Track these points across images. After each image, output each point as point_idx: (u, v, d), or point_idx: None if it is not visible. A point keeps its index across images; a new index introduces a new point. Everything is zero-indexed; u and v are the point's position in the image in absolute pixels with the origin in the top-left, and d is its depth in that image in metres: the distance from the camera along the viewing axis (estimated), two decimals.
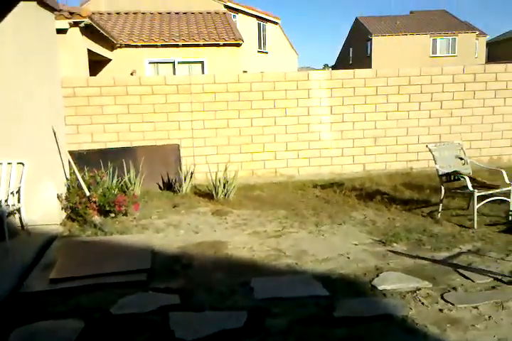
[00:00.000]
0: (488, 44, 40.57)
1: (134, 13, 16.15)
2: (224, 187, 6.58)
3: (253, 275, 3.95)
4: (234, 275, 3.95)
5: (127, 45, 13.32)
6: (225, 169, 6.91)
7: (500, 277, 3.73)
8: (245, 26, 19.78)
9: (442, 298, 3.41)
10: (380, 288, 3.61)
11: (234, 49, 14.14)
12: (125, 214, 5.77)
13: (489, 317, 3.12)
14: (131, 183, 6.65)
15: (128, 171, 6.86)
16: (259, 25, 22.07)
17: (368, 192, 6.70)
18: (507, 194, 5.25)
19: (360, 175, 7.89)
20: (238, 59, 14.35)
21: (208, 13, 16.58)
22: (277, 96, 7.93)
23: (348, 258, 4.31)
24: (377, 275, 3.84)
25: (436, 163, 5.56)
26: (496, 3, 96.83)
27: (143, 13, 16.19)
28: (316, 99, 8.02)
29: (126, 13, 16.12)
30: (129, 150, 7.33)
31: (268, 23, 23.08)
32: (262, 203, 6.42)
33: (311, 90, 7.99)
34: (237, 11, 19.83)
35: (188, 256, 4.43)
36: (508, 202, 5.27)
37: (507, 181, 5.27)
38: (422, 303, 3.34)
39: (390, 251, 4.45)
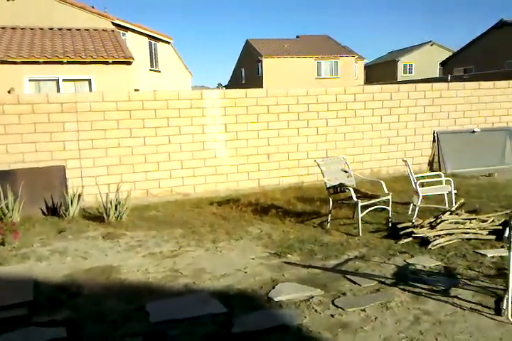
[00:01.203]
0: (366, 67, 44.65)
1: (12, 28, 15.04)
2: (116, 208, 6.29)
3: (149, 298, 3.79)
4: (128, 301, 3.76)
5: (3, 62, 12.31)
6: (117, 190, 6.62)
7: (383, 280, 4.02)
8: (136, 44, 19.44)
9: (333, 303, 3.57)
10: (276, 299, 3.67)
11: (124, 67, 13.79)
12: (2, 244, 5.22)
13: (375, 318, 3.33)
14: (8, 210, 6.06)
15: (5, 197, 6.25)
16: (150, 44, 21.84)
17: (263, 207, 6.85)
18: (387, 202, 5.73)
19: (255, 191, 8.07)
20: (129, 77, 14.02)
21: (95, 30, 16.02)
22: (171, 115, 7.86)
23: (246, 272, 4.34)
24: (274, 287, 3.91)
25: (324, 177, 5.89)
26: (371, 30, 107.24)
27: (22, 29, 15.14)
28: (211, 117, 8.10)
29: (3, 28, 14.93)
30: (6, 173, 6.70)
31: (160, 42, 22.95)
32: (157, 223, 6.24)
33: (205, 109, 8.05)
34: (126, 29, 19.42)
35: (76, 284, 4.12)
36: (388, 210, 5.75)
37: (386, 191, 5.76)
38: (316, 310, 3.46)
39: (285, 262, 4.58)
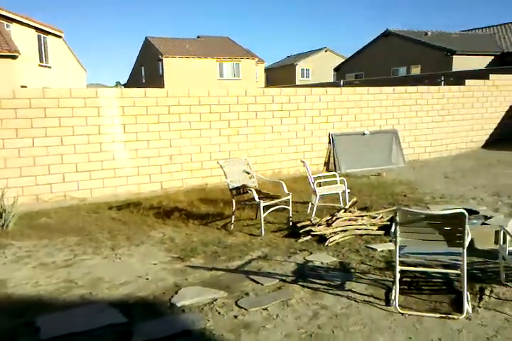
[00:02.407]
0: (266, 70, 45.94)
1: None
2: (1, 216, 5.73)
3: (39, 313, 3.50)
4: (15, 317, 3.44)
5: None
6: (1, 195, 6.04)
7: (284, 278, 4.14)
8: (22, 37, 17.92)
9: (236, 304, 3.60)
10: (179, 304, 3.61)
11: (8, 61, 12.64)
12: None
13: (277, 316, 3.41)
14: None
15: None
16: (39, 37, 20.27)
17: (166, 210, 6.70)
18: (287, 202, 5.92)
19: (157, 194, 7.87)
20: (14, 72, 12.86)
21: None
22: (63, 114, 7.36)
23: (147, 279, 4.20)
24: (176, 293, 3.84)
25: (226, 178, 5.92)
26: (270, 34, 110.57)
27: None
28: (108, 117, 7.73)
29: None
30: None
31: (50, 36, 21.41)
32: (49, 231, 5.80)
33: (101, 108, 7.66)
34: (11, 20, 17.82)
35: None
36: (289, 210, 5.95)
37: (286, 191, 5.95)
38: (219, 313, 3.46)
39: (188, 266, 4.51)
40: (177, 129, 8.32)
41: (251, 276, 4.18)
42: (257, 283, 4.02)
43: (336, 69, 31.80)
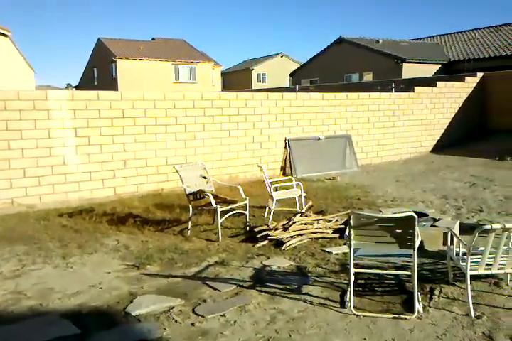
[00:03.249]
0: (223, 74, 45.95)
1: None
2: None
3: None
4: None
5: None
6: None
7: (242, 283, 4.14)
8: None
9: (194, 312, 3.56)
10: (134, 314, 3.52)
11: None
12: None
13: (234, 322, 3.41)
14: None
15: None
16: None
17: (120, 217, 6.54)
18: (244, 207, 5.93)
19: (111, 199, 7.66)
20: None
21: None
22: (10, 117, 7.04)
23: (101, 288, 4.08)
24: (131, 301, 3.75)
25: (183, 183, 5.86)
26: (226, 38, 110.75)
27: None
28: (58, 120, 7.46)
29: None
30: None
31: None
32: None
33: (51, 111, 7.39)
34: None
35: None
36: (246, 215, 5.96)
37: (243, 196, 5.96)
38: (176, 321, 3.41)
39: (144, 274, 4.42)
40: (132, 133, 8.15)
41: (208, 283, 4.15)
42: (215, 289, 4.00)
43: (292, 75, 32.27)
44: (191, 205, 5.84)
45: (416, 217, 3.46)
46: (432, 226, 5.51)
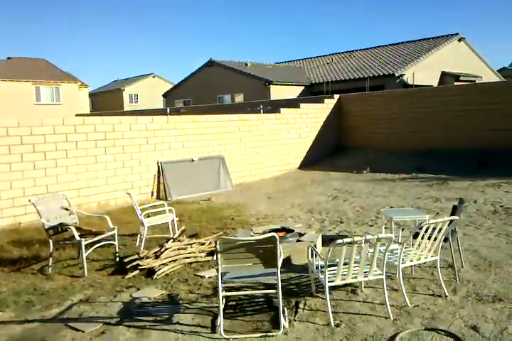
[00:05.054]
0: (91, 94, 43.96)
1: None
2: None
3: None
4: None
5: None
6: None
7: (109, 320, 3.92)
8: None
9: None
10: None
11: None
12: None
13: None
14: None
15: None
16: None
17: None
18: (113, 237, 5.66)
19: None
20: None
21: None
22: None
23: None
24: None
25: (41, 217, 5.40)
26: (91, 57, 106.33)
27: None
28: None
29: None
30: None
31: None
32: None
33: None
34: None
35: None
36: (115, 245, 5.69)
37: (111, 226, 5.70)
38: None
39: None
40: None
41: (71, 324, 3.85)
42: (78, 330, 3.72)
43: (165, 95, 32.12)
44: (52, 240, 5.39)
45: (277, 237, 3.64)
46: (298, 241, 5.84)
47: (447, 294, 4.20)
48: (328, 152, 15.14)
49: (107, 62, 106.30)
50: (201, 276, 4.97)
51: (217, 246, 3.60)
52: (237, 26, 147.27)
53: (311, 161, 14.33)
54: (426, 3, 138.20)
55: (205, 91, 27.34)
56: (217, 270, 3.68)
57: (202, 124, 11.03)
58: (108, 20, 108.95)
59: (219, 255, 3.65)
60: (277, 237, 3.63)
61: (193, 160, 10.72)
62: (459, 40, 25.58)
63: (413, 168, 12.54)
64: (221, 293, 3.69)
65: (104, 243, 5.58)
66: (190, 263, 5.39)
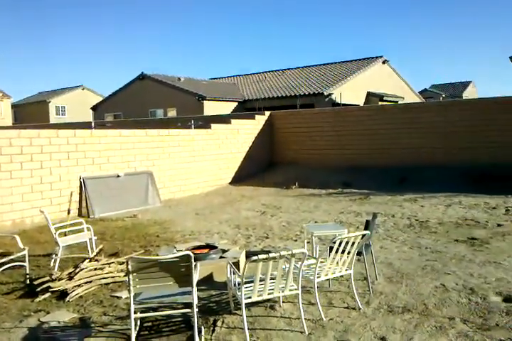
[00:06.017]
0: (15, 106, 41.62)
1: None
2: None
3: None
4: None
5: None
6: None
7: None
8: None
9: None
10: None
11: None
12: None
13: None
14: None
15: None
16: None
17: None
18: (24, 258, 5.31)
19: None
20: None
21: None
22: None
23: None
24: None
25: None
26: (14, 68, 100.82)
27: None
28: None
29: None
30: None
31: None
32: None
33: None
34: None
35: None
36: (25, 267, 5.34)
37: (21, 246, 5.35)
38: None
39: None
40: None
41: None
42: None
43: (94, 109, 31.07)
44: None
45: (191, 255, 3.59)
46: (221, 257, 5.80)
47: (361, 306, 4.34)
48: (259, 168, 15.33)
49: (33, 73, 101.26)
50: (118, 297, 4.78)
51: (129, 266, 3.49)
52: (172, 41, 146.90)
53: (243, 177, 14.43)
54: (355, 26, 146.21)
55: (136, 105, 26.82)
56: (129, 291, 3.56)
57: (129, 139, 10.78)
58: (35, 32, 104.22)
59: (131, 275, 3.53)
60: (191, 255, 3.58)
61: (118, 176, 10.40)
62: (383, 62, 27.20)
63: (340, 183, 13.01)
64: (133, 315, 3.57)
65: (13, 264, 5.22)
66: (108, 283, 5.17)
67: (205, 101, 24.27)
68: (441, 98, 40.31)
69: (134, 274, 3.57)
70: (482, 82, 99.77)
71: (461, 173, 12.12)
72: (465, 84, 52.05)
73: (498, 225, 7.62)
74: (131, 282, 3.54)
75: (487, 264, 5.54)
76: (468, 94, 48.28)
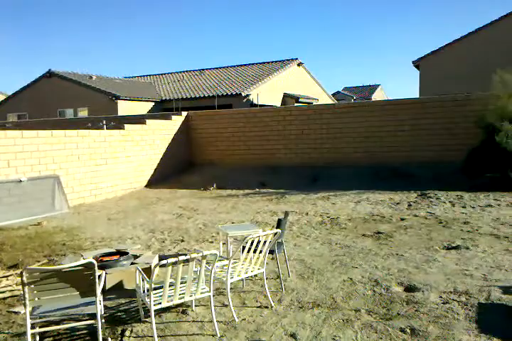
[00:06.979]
0: None
1: None
2: None
3: None
4: None
5: None
6: None
7: None
8: None
9: None
10: None
11: None
12: None
13: None
14: None
15: None
16: None
17: None
18: None
19: None
20: None
21: None
22: None
23: None
24: None
25: None
26: None
27: None
28: None
29: None
30: None
31: None
32: None
33: None
34: None
35: None
36: None
37: None
38: None
39: None
40: None
41: None
42: None
43: None
44: None
45: (95, 262, 3.39)
46: (132, 263, 5.57)
47: (273, 304, 4.39)
48: (178, 169, 15.06)
49: None
50: (16, 312, 4.40)
51: (23, 278, 3.21)
52: (84, 36, 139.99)
53: (160, 179, 14.08)
54: (272, 28, 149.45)
55: (44, 105, 25.14)
56: (25, 305, 3.28)
57: (33, 140, 10.04)
58: None
59: (26, 288, 3.26)
60: (95, 263, 3.38)
61: (21, 181, 9.64)
62: (298, 64, 28.02)
63: (257, 183, 13.16)
64: (29, 331, 3.30)
65: None
66: (5, 298, 4.75)
67: (119, 101, 23.37)
68: (352, 100, 42.49)
69: (32, 286, 3.30)
70: (390, 85, 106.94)
71: (370, 172, 12.82)
72: (374, 87, 55.31)
73: (402, 219, 8.14)
74: (26, 295, 3.26)
75: (390, 257, 5.88)
76: (377, 96, 51.39)
